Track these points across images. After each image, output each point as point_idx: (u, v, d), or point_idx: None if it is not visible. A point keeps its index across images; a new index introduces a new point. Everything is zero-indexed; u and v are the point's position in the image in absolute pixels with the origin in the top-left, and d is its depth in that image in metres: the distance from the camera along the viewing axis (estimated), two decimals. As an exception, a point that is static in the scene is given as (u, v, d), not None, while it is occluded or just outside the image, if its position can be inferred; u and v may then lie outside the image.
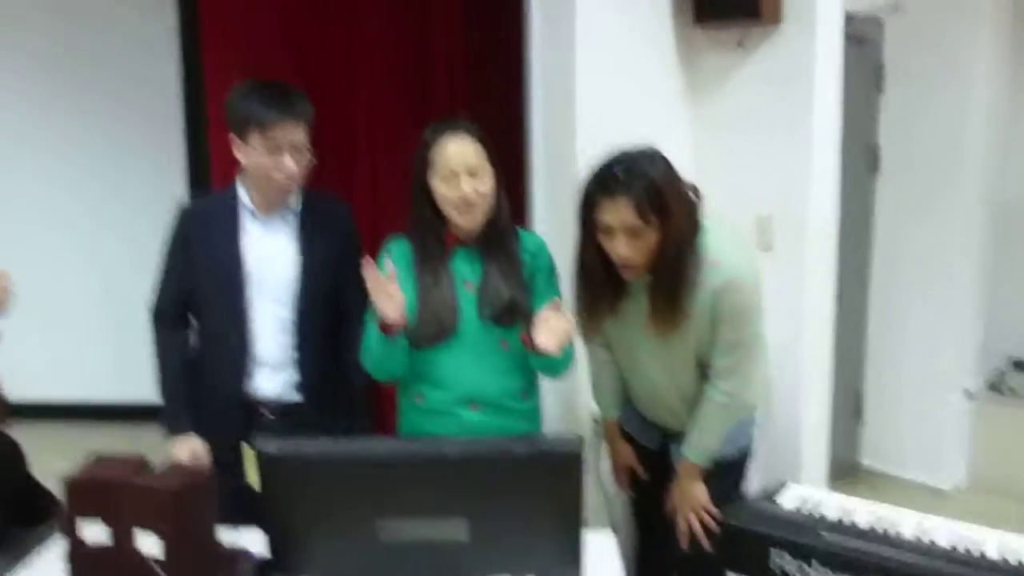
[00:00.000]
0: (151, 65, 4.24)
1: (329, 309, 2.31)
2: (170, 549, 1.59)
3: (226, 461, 2.18)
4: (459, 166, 2.07)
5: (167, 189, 3.94)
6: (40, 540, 1.92)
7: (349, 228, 2.38)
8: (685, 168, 2.15)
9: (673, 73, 3.01)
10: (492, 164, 2.13)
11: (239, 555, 1.74)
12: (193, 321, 2.34)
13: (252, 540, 1.76)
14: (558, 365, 2.17)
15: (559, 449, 1.55)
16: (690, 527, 2.25)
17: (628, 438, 2.47)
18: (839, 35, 2.87)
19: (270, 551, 1.60)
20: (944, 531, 2.01)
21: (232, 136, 2.18)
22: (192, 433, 2.26)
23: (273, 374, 2.27)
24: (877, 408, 4.22)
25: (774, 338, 2.46)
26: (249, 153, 2.16)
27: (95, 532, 1.65)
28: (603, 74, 2.81)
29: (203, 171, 3.78)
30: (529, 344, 2.06)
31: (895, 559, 1.91)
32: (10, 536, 1.98)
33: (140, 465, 1.69)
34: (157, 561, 1.59)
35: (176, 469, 1.71)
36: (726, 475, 2.30)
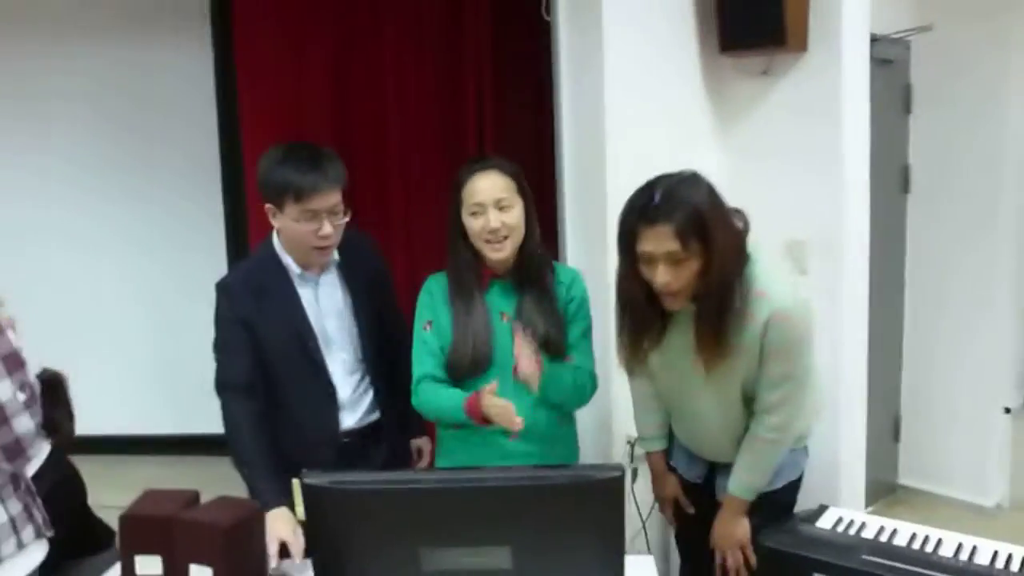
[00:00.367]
0: (194, 106, 4.38)
1: (379, 332, 2.39)
2: (222, 581, 1.63)
3: None
4: (487, 199, 2.12)
5: (212, 227, 4.28)
6: (95, 572, 1.97)
7: (378, 258, 2.48)
8: (717, 195, 2.15)
9: (701, 102, 3.04)
10: (523, 197, 2.18)
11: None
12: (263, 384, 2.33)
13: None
14: (567, 400, 2.24)
15: (600, 477, 1.56)
16: (728, 562, 2.23)
17: (672, 470, 2.43)
18: (865, 59, 2.89)
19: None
20: (985, 550, 2.00)
21: (268, 206, 2.19)
22: (280, 508, 2.10)
23: (352, 409, 2.37)
24: (916, 427, 4.18)
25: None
26: (286, 221, 2.18)
27: (151, 566, 1.70)
28: (631, 105, 2.84)
29: (240, 209, 3.92)
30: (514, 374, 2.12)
31: (937, 580, 1.91)
32: (64, 567, 2.03)
33: (191, 499, 1.75)
34: (210, 593, 1.64)
35: (224, 502, 1.75)
36: (773, 508, 2.25)
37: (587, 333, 2.29)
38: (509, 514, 1.56)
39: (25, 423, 1.75)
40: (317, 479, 1.60)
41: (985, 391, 4.01)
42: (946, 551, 2.02)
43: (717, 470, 2.31)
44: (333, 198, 2.17)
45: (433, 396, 2.18)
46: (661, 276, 1.95)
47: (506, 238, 2.15)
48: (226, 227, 4.33)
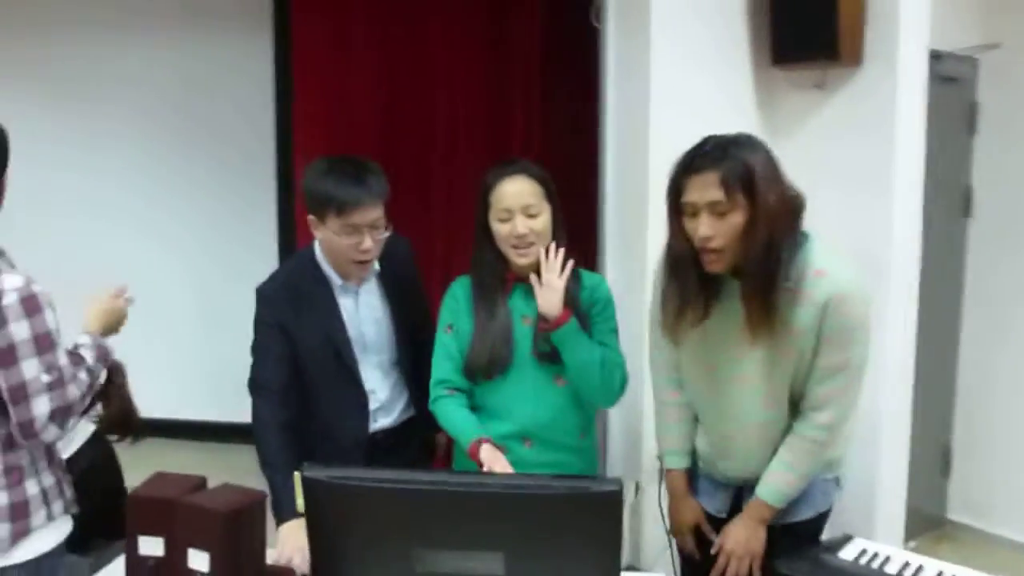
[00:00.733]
0: (254, 104, 4.50)
1: (414, 336, 2.41)
2: (217, 567, 1.64)
3: None
4: (515, 205, 2.11)
5: (265, 222, 4.38)
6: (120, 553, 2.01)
7: (411, 261, 2.49)
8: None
9: (750, 115, 2.99)
10: (551, 203, 2.16)
11: (284, 574, 1.79)
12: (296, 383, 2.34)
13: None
14: (590, 374, 2.15)
15: (597, 489, 1.53)
16: (728, 571, 2.07)
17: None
18: (923, 75, 2.81)
19: (316, 573, 1.64)
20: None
21: (310, 217, 2.22)
22: (296, 520, 2.04)
23: (389, 409, 2.40)
24: (969, 460, 4.02)
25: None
26: (328, 234, 2.20)
27: (153, 547, 1.72)
28: (677, 114, 2.80)
29: (291, 207, 3.99)
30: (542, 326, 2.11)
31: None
32: (95, 545, 2.08)
33: (198, 484, 1.77)
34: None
35: (229, 489, 1.76)
36: (795, 542, 2.08)
37: (614, 333, 2.24)
38: (504, 521, 1.54)
39: (41, 405, 1.75)
40: (315, 472, 1.60)
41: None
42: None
43: (744, 494, 2.15)
44: (375, 213, 2.18)
45: (444, 415, 2.20)
46: (703, 228, 1.84)
47: (533, 244, 2.14)
48: (279, 224, 4.41)
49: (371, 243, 2.19)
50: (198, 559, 1.67)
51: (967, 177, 3.87)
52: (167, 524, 1.70)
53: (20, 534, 1.81)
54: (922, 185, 2.86)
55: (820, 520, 2.17)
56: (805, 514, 2.11)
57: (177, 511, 1.67)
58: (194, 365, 4.86)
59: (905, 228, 2.83)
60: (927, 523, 3.84)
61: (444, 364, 2.21)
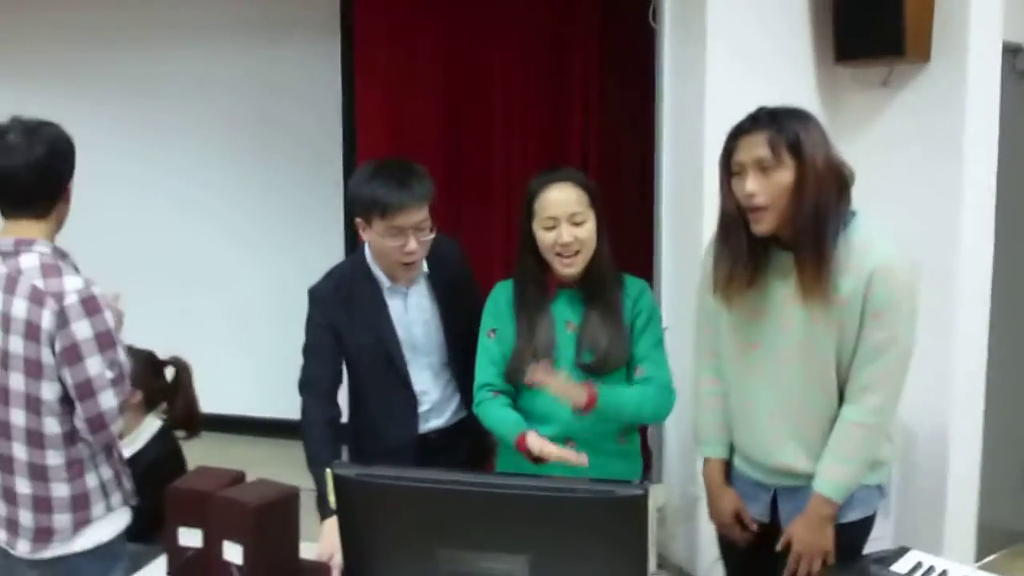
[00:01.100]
0: (325, 106, 4.59)
1: (466, 337, 2.39)
2: (250, 559, 1.68)
3: None
4: (559, 213, 2.09)
5: (332, 222, 4.50)
6: None
7: (462, 262, 2.49)
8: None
9: (813, 112, 2.89)
10: (595, 211, 2.14)
11: (320, 569, 1.81)
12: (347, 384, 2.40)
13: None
14: (632, 419, 2.18)
15: (622, 493, 1.51)
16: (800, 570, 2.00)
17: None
18: (996, 71, 2.69)
19: (347, 569, 1.66)
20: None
21: (357, 220, 2.26)
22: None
23: (440, 410, 2.42)
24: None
25: (917, 399, 2.26)
26: (374, 236, 2.24)
27: (192, 538, 1.77)
28: (735, 116, 2.71)
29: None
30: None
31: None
32: (155, 538, 2.11)
33: (236, 478, 1.81)
34: (239, 567, 1.68)
35: (264, 483, 1.80)
36: (843, 541, 2.02)
37: (659, 345, 2.21)
38: (529, 523, 1.53)
39: (108, 399, 1.86)
40: (346, 470, 1.62)
41: None
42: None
43: (780, 502, 2.11)
44: (419, 215, 2.19)
45: (487, 415, 2.19)
46: (748, 184, 1.84)
47: (578, 252, 2.11)
48: (345, 224, 4.48)
49: (416, 245, 2.21)
50: (232, 551, 1.71)
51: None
52: (204, 516, 1.74)
53: (81, 524, 1.91)
54: (995, 185, 2.73)
55: (863, 527, 2.09)
56: (851, 514, 2.03)
57: (211, 504, 1.71)
58: (270, 363, 4.96)
59: (975, 232, 2.71)
60: (1005, 538, 3.67)
61: (488, 368, 2.22)
